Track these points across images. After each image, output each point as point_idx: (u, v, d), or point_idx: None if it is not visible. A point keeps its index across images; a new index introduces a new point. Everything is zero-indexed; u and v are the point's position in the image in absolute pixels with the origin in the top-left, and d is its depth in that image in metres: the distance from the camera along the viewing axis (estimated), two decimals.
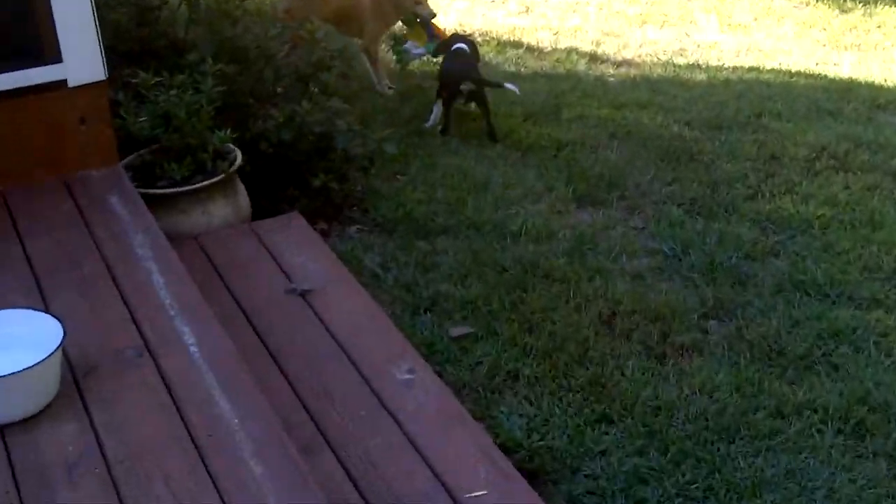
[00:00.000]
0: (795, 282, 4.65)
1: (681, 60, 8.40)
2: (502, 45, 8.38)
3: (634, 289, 4.55)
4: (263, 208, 4.89)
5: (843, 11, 10.63)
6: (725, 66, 8.28)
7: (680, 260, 4.86)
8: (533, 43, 8.55)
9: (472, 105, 6.44)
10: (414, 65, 7.29)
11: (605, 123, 6.52)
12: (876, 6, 10.79)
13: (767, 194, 5.55)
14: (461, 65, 6.49)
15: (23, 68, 3.96)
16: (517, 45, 8.44)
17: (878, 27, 10.11)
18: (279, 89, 5.12)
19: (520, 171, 5.77)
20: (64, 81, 4.03)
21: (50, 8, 3.93)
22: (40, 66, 3.99)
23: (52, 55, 3.99)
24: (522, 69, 7.72)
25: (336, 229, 5.02)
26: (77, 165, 4.10)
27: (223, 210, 4.46)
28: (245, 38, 4.98)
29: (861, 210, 5.37)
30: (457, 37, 6.95)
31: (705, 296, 4.51)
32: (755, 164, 5.96)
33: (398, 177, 5.57)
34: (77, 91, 4.05)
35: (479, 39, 8.56)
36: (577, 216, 5.31)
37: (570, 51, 8.37)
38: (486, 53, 8.05)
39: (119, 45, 5.55)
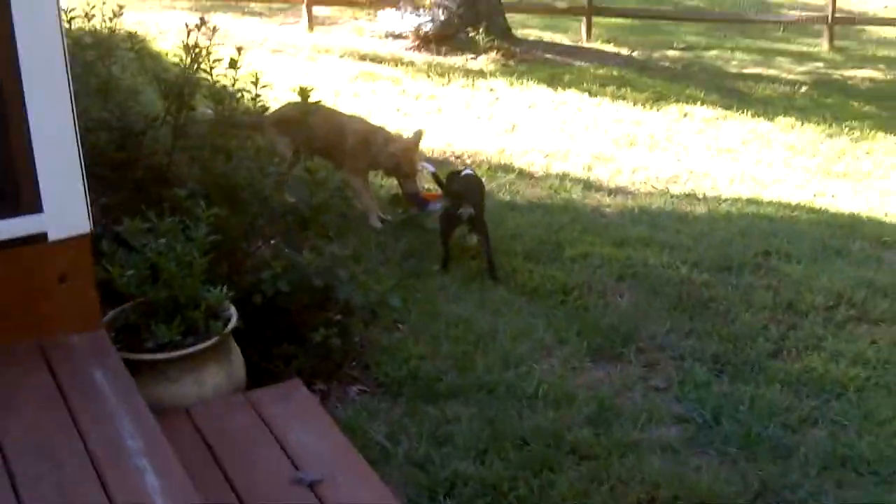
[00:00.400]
0: (841, 457, 4.24)
1: (676, 189, 8.13)
2: (493, 169, 8.05)
3: (670, 467, 4.10)
4: (255, 365, 4.41)
5: (830, 136, 10.52)
6: (723, 196, 8.02)
7: (711, 428, 4.44)
8: (524, 166, 8.25)
9: (472, 238, 6.07)
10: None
11: (610, 263, 6.14)
12: (861, 131, 10.67)
13: (793, 351, 5.18)
14: (462, 188, 6.13)
15: None
16: (508, 168, 8.13)
17: (867, 153, 9.99)
18: (275, 233, 4.69)
19: (526, 319, 5.36)
20: (43, 235, 3.55)
21: (31, 150, 3.47)
22: (16, 216, 3.51)
23: (31, 205, 3.51)
24: (518, 198, 7.37)
25: (336, 390, 4.55)
26: (55, 329, 3.61)
27: (216, 377, 3.98)
28: (238, 175, 4.54)
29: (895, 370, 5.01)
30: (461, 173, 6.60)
31: (748, 476, 4.08)
32: (774, 313, 5.60)
33: (398, 326, 5.14)
34: (58, 246, 3.57)
35: (468, 161, 8.25)
36: (593, 373, 4.90)
37: (562, 176, 8.07)
38: None
39: (95, 169, 5.15)
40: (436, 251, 6.08)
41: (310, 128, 5.80)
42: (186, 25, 5.11)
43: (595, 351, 5.08)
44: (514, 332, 5.16)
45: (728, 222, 7.26)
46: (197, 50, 5.18)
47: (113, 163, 5.31)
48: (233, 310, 4.11)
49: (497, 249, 6.10)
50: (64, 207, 3.57)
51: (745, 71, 13.86)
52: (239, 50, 5.26)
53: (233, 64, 5.30)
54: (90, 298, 3.68)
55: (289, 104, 6.39)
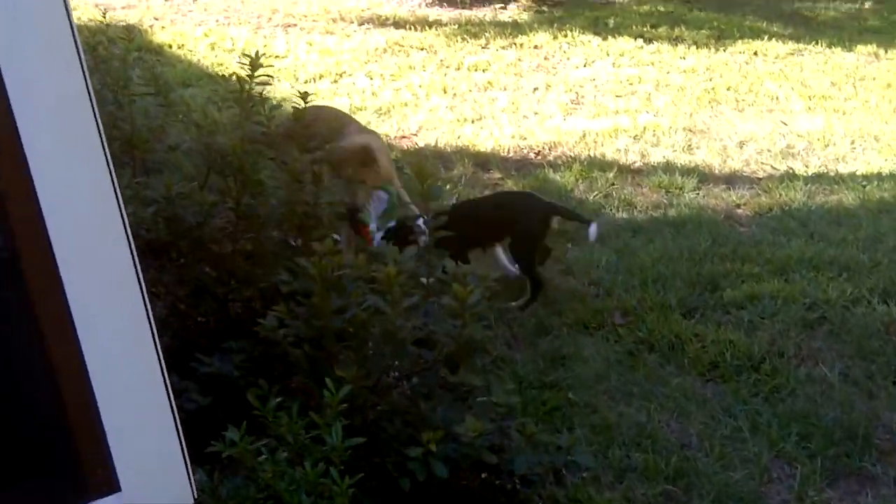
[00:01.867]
0: None
1: (798, 166, 6.86)
2: (585, 167, 6.67)
3: None
4: None
5: None
6: (860, 173, 6.70)
7: None
8: (617, 158, 6.88)
9: None
10: None
11: (787, 307, 4.85)
12: None
13: None
14: (534, 200, 5.11)
15: None
16: (602, 164, 6.74)
17: None
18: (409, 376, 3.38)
19: (724, 421, 4.06)
20: None
21: (91, 397, 2.13)
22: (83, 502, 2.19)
23: (102, 483, 2.19)
24: (634, 212, 6.00)
25: None
26: None
27: None
28: (360, 312, 3.17)
29: None
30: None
31: None
32: None
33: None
34: None
35: (550, 158, 6.90)
36: None
37: (666, 167, 6.73)
38: (569, 183, 6.38)
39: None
40: (575, 316, 4.79)
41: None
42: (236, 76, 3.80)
43: (829, 467, 3.81)
44: (717, 449, 3.87)
45: (889, 217, 5.96)
46: (250, 101, 3.89)
47: (161, 257, 4.03)
48: None
49: (647, 304, 4.82)
50: (152, 476, 2.24)
51: None
52: (304, 97, 3.99)
53: (299, 115, 4.02)
54: None
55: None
